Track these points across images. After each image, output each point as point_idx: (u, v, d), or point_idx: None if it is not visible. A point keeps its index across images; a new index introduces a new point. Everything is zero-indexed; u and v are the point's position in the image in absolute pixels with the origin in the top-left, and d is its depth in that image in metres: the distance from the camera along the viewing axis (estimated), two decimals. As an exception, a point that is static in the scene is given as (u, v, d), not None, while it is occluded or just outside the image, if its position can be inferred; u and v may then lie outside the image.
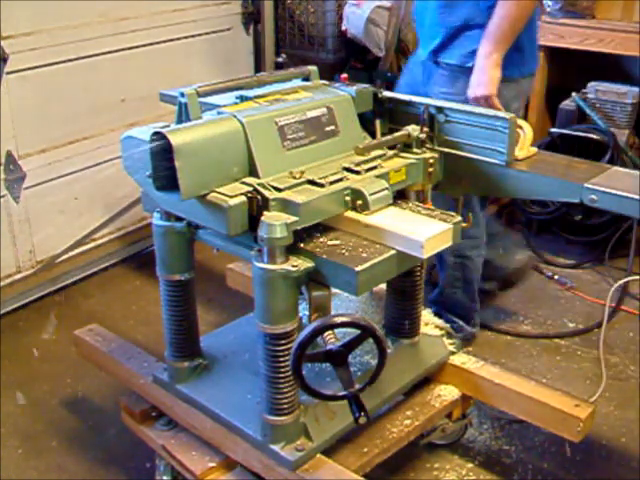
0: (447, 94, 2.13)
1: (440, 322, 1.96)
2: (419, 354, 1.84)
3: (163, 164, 1.37)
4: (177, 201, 1.38)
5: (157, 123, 1.46)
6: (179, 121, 1.52)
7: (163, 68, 3.02)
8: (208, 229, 1.55)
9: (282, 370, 1.48)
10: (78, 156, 2.82)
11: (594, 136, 2.85)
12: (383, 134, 1.69)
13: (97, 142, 2.86)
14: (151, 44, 2.99)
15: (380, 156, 1.56)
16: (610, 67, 3.08)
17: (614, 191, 1.43)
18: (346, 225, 1.45)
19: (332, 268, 1.36)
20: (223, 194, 1.37)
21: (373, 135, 1.69)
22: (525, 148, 1.61)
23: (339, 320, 1.31)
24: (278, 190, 1.39)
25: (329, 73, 2.57)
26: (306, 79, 1.75)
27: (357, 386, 1.39)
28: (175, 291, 1.67)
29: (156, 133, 1.36)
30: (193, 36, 3.15)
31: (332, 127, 1.58)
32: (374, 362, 1.39)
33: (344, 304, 1.96)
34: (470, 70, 2.10)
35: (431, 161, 1.62)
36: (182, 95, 1.50)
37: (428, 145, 1.65)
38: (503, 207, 3.34)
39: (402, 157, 1.59)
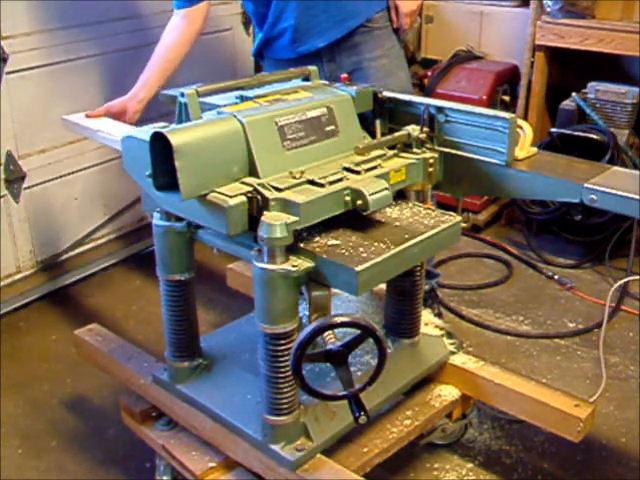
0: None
1: (440, 322, 1.96)
2: (419, 354, 1.84)
3: (163, 164, 1.37)
4: (177, 201, 1.38)
5: (157, 123, 1.46)
6: (179, 121, 1.52)
7: (163, 68, 3.02)
8: (208, 229, 1.55)
9: (282, 370, 1.48)
10: (78, 156, 2.82)
11: (594, 136, 2.85)
12: (383, 134, 1.69)
13: (97, 142, 2.86)
14: (151, 44, 2.98)
15: (380, 156, 1.56)
16: (610, 67, 3.08)
17: (614, 191, 1.43)
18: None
19: (332, 268, 1.36)
20: (223, 194, 1.37)
21: (373, 135, 1.69)
22: (525, 148, 1.61)
23: (339, 320, 1.31)
24: (278, 190, 1.39)
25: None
26: (306, 79, 1.75)
27: (357, 386, 1.39)
28: (175, 291, 1.67)
29: (156, 133, 1.36)
30: (193, 36, 3.14)
31: (332, 127, 1.58)
32: (374, 362, 1.39)
33: (344, 304, 1.96)
34: None
35: (431, 161, 1.62)
36: (182, 95, 1.50)
37: (428, 145, 1.65)
38: (503, 207, 3.34)
39: (402, 157, 1.59)
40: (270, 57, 2.33)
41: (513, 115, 1.56)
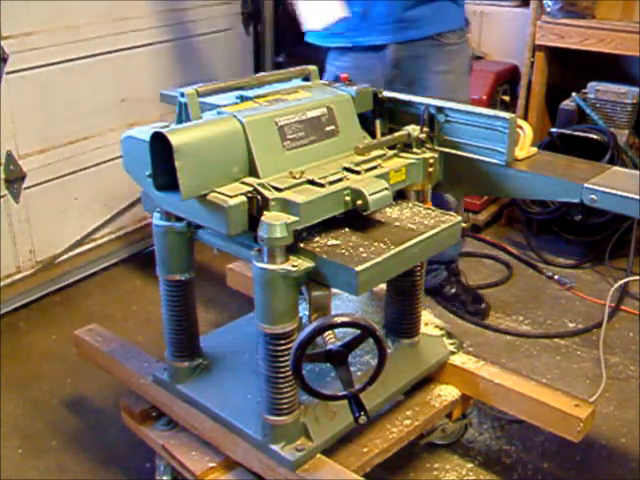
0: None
1: (440, 322, 1.96)
2: (419, 354, 1.84)
3: (163, 164, 1.37)
4: (177, 201, 1.38)
5: (157, 123, 1.46)
6: (179, 121, 1.52)
7: (163, 68, 3.03)
8: (208, 229, 1.55)
9: (282, 370, 1.48)
10: (78, 156, 2.82)
11: (594, 136, 2.85)
12: (383, 134, 1.69)
13: (97, 142, 2.86)
14: (151, 44, 2.99)
15: (380, 156, 1.56)
16: (610, 67, 3.08)
17: (614, 191, 1.43)
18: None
19: (332, 268, 1.36)
20: (223, 194, 1.37)
21: (373, 135, 1.69)
22: (525, 148, 1.61)
23: (339, 320, 1.31)
24: (278, 190, 1.39)
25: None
26: (306, 79, 1.75)
27: (357, 386, 1.39)
28: (175, 291, 1.67)
29: (156, 133, 1.36)
30: (193, 36, 3.15)
31: (332, 127, 1.58)
32: (374, 362, 1.39)
33: (344, 304, 1.96)
34: None
35: (431, 161, 1.62)
36: (182, 95, 1.50)
37: (428, 145, 1.65)
38: (503, 207, 3.34)
39: (402, 157, 1.59)
40: (329, 44, 2.34)
41: (513, 115, 1.56)
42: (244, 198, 1.37)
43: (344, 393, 1.38)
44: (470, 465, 1.98)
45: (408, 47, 2.25)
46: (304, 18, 2.00)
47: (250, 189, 1.39)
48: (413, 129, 1.61)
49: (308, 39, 2.40)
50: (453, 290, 2.69)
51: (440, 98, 1.68)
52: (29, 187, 2.68)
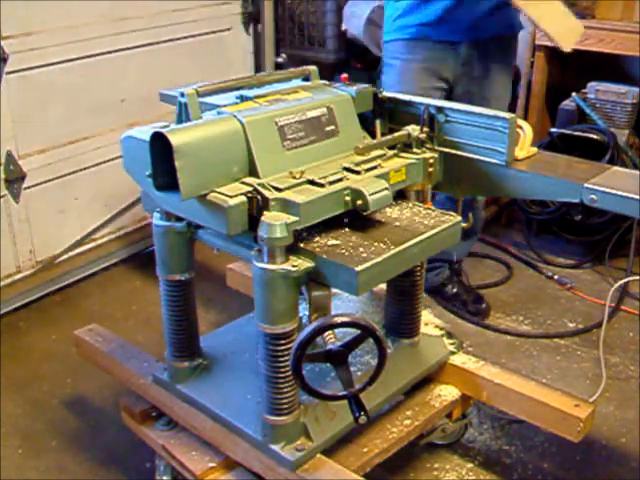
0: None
1: (440, 322, 1.96)
2: (419, 354, 1.84)
3: (163, 164, 1.37)
4: (177, 201, 1.38)
5: (157, 123, 1.46)
6: (179, 121, 1.52)
7: (163, 68, 3.03)
8: (208, 229, 1.55)
9: (282, 370, 1.48)
10: (78, 156, 2.82)
11: (594, 136, 2.85)
12: (383, 134, 1.69)
13: (97, 142, 2.86)
14: (151, 44, 2.99)
15: (380, 156, 1.56)
16: (610, 67, 3.08)
17: (614, 191, 1.43)
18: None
19: (332, 268, 1.36)
20: (223, 194, 1.37)
21: (373, 135, 1.69)
22: (525, 148, 1.61)
23: (339, 320, 1.31)
24: (278, 190, 1.39)
25: (329, 73, 2.57)
26: (306, 79, 1.75)
27: (357, 386, 1.39)
28: (175, 291, 1.67)
29: (156, 133, 1.36)
30: (193, 36, 3.15)
31: (332, 127, 1.58)
32: (374, 362, 1.39)
33: (344, 304, 1.96)
34: None
35: (431, 161, 1.62)
36: (182, 95, 1.50)
37: (428, 145, 1.65)
38: (503, 207, 3.34)
39: (402, 157, 1.59)
40: (400, 36, 2.37)
41: (513, 115, 1.56)
42: (244, 198, 1.37)
43: (344, 393, 1.38)
44: (470, 465, 1.98)
45: (481, 45, 2.32)
46: (556, 41, 2.13)
47: (250, 189, 1.39)
48: (413, 129, 1.61)
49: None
50: (454, 290, 2.69)
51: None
52: (29, 187, 2.68)
